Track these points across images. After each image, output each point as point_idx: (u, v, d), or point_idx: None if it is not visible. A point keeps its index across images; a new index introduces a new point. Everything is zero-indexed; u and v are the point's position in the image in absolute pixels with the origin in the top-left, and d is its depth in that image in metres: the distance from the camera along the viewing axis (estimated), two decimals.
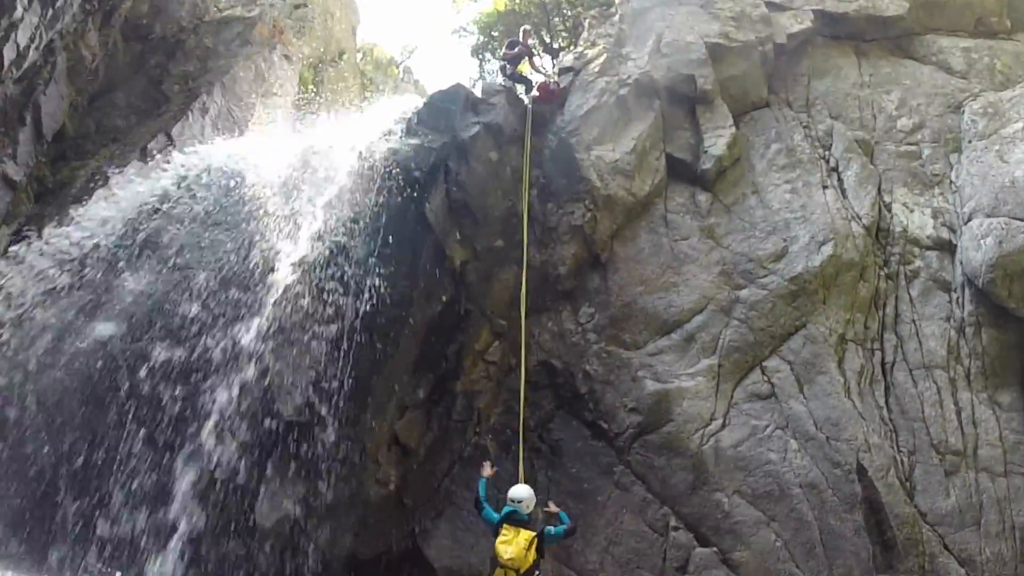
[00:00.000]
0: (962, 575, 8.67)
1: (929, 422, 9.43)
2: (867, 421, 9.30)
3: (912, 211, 10.81)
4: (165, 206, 10.48)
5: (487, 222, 10.06)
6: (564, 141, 10.67)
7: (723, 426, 9.26)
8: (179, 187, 10.61)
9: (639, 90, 10.97)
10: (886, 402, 9.61)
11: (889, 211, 10.80)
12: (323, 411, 8.96)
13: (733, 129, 10.94)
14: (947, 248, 10.49)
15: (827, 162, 11.15)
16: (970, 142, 11.32)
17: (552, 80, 11.47)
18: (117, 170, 11.24)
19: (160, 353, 9.15)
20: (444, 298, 9.66)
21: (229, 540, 8.54)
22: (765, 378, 9.55)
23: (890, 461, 9.14)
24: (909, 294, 10.26)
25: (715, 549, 8.80)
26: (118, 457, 8.71)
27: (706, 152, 10.72)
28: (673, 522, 9.00)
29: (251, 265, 9.61)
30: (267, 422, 8.84)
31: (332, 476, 8.87)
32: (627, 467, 9.31)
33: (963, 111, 11.73)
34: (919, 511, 8.94)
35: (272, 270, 9.51)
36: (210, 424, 8.68)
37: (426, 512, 9.43)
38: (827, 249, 10.06)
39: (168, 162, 11.01)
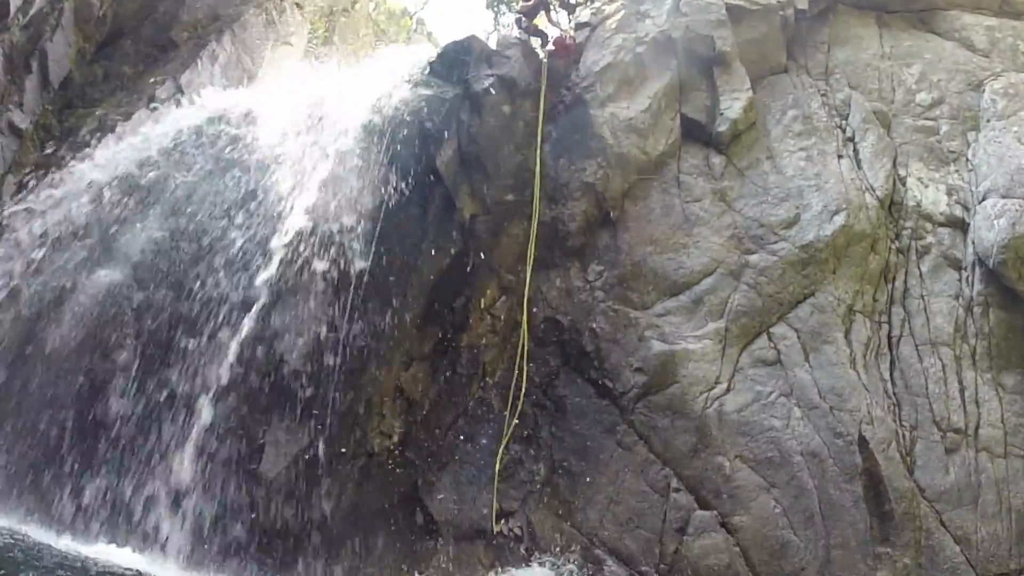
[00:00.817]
0: (957, 552, 8.70)
1: (932, 398, 9.43)
2: (871, 393, 9.30)
3: (927, 186, 10.73)
4: (173, 153, 10.42)
5: (498, 176, 10.00)
6: (579, 97, 10.55)
7: (727, 390, 9.26)
8: (188, 134, 10.53)
9: (656, 48, 10.84)
10: (891, 376, 9.59)
11: (904, 185, 10.71)
12: (329, 361, 8.96)
13: (750, 93, 10.81)
14: (960, 226, 10.41)
15: (843, 131, 11.03)
16: (988, 121, 11.21)
17: (568, 35, 11.32)
18: (123, 118, 11.19)
19: (167, 301, 9.18)
20: (453, 251, 9.65)
21: (232, 489, 8.58)
22: (771, 344, 9.52)
23: (892, 435, 9.15)
24: (919, 269, 10.20)
25: (715, 512, 8.84)
26: (123, 408, 8.75)
27: (722, 114, 10.61)
28: (674, 484, 9.03)
29: (260, 213, 9.56)
30: (273, 371, 8.84)
31: (336, 426, 8.91)
32: (630, 427, 9.32)
33: (983, 90, 11.55)
34: (918, 486, 8.97)
35: (281, 217, 9.46)
36: (217, 373, 8.70)
37: (429, 465, 9.46)
38: (839, 219, 9.99)
39: (177, 108, 10.94)
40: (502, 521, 9.20)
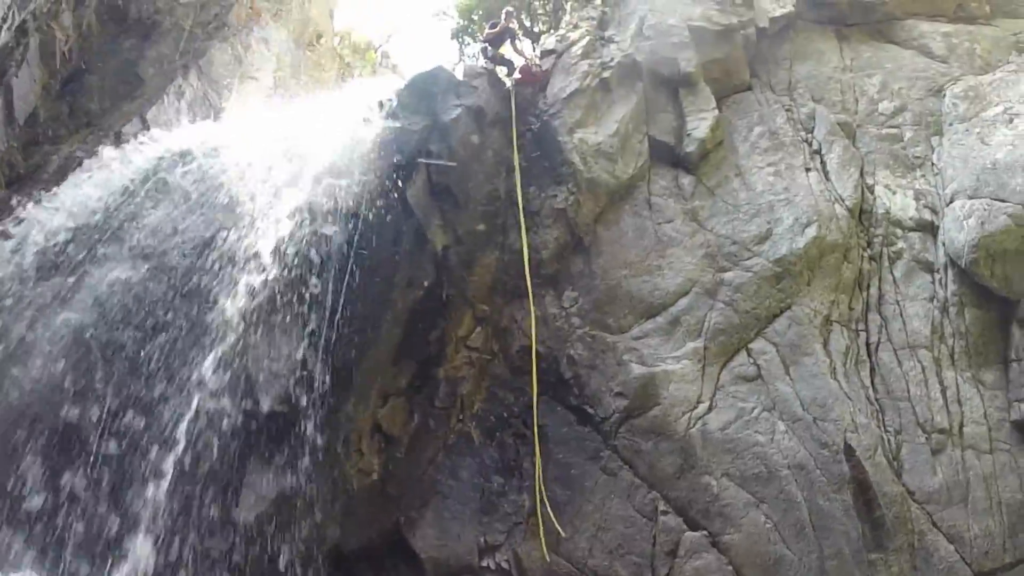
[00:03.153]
0: (951, 551, 8.87)
1: (915, 401, 9.64)
2: (853, 401, 9.50)
3: (895, 193, 11.02)
4: (141, 191, 10.42)
5: (469, 206, 10.14)
6: (547, 124, 10.78)
7: (710, 409, 9.39)
8: (155, 171, 10.55)
9: (622, 73, 11.13)
10: (871, 382, 9.80)
11: (872, 193, 11.02)
12: (304, 401, 8.90)
13: (716, 112, 11.11)
14: (929, 229, 10.71)
15: (809, 145, 11.36)
16: (951, 125, 11.57)
17: (534, 63, 11.59)
18: (88, 155, 11.16)
19: (134, 343, 9.04)
20: (426, 283, 9.71)
21: (209, 535, 8.44)
22: (751, 360, 9.70)
23: (877, 440, 9.34)
24: (892, 275, 10.47)
25: (705, 532, 8.92)
26: (91, 451, 8.66)
27: (689, 135, 10.87)
28: (662, 506, 9.11)
29: (228, 251, 9.58)
30: (246, 414, 8.74)
31: (314, 467, 8.83)
32: (614, 452, 9.41)
33: (944, 95, 11.96)
34: (907, 489, 9.14)
35: (250, 256, 9.48)
36: (188, 417, 8.56)
37: (411, 501, 9.46)
38: (811, 231, 10.25)
39: (143, 145, 10.94)
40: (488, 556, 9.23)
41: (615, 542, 9.08)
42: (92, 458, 8.45)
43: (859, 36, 12.84)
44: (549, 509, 9.13)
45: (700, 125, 10.94)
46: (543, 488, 9.28)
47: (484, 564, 9.18)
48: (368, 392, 9.40)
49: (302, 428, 8.83)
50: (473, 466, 9.66)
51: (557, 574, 9.10)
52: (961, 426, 9.58)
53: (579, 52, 11.48)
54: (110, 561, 8.08)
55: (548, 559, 9.00)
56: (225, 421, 8.65)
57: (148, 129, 11.96)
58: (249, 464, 8.73)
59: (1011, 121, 11.23)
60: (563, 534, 9.09)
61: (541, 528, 9.05)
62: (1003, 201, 10.25)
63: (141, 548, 8.11)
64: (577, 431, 9.63)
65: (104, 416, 8.66)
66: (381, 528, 9.35)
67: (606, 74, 11.06)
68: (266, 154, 10.35)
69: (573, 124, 10.67)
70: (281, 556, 8.59)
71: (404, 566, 9.32)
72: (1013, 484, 9.31)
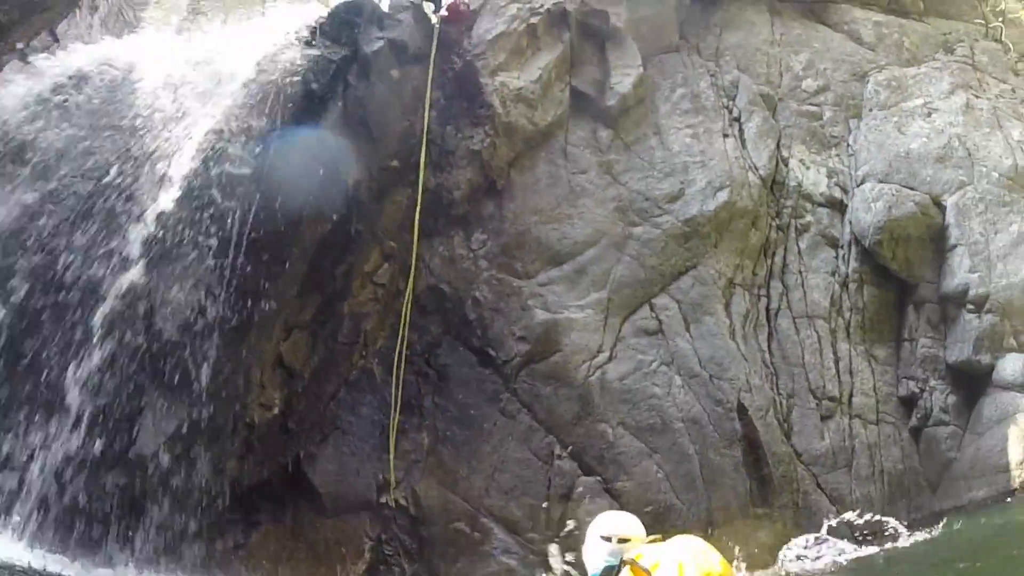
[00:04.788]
0: (833, 512, 9.96)
1: (808, 368, 10.74)
2: (749, 363, 10.49)
3: (808, 168, 12.09)
4: (45, 109, 10.55)
5: (384, 141, 10.51)
6: (469, 64, 11.27)
7: (610, 359, 10.21)
8: (61, 88, 10.72)
9: (551, 20, 11.71)
10: (768, 347, 10.85)
11: (786, 166, 12.05)
12: (206, 331, 9.17)
13: (641, 69, 11.85)
14: (838, 207, 11.85)
15: (730, 112, 12.31)
16: (871, 111, 12.73)
17: (463, 1, 11.93)
18: None
19: (33, 269, 9.19)
20: (335, 217, 10.03)
21: (108, 468, 8.67)
22: (653, 315, 10.56)
23: (769, 402, 10.38)
24: (798, 246, 11.56)
25: (599, 478, 9.75)
26: None
27: (612, 89, 11.60)
28: (558, 451, 9.89)
29: (135, 174, 9.70)
30: (146, 345, 8.97)
31: (215, 401, 9.09)
32: (513, 395, 10.13)
33: (868, 81, 13.12)
34: (795, 451, 10.24)
35: (159, 179, 9.63)
36: (88, 346, 8.80)
37: (311, 437, 9.95)
38: (723, 195, 11.16)
39: (51, 61, 11.13)
40: (386, 492, 9.82)
41: (511, 483, 9.81)
42: None
43: (792, 13, 13.84)
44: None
45: (624, 80, 11.66)
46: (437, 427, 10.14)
47: (382, 500, 9.79)
48: (271, 325, 9.68)
49: (203, 360, 9.08)
50: (374, 403, 10.21)
51: (453, 512, 9.76)
52: (851, 396, 10.72)
53: None
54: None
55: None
56: (124, 352, 8.88)
57: (58, 43, 12.16)
58: (148, 397, 8.94)
59: (929, 115, 12.48)
60: (460, 474, 9.83)
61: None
62: (912, 189, 11.49)
63: (35, 481, 8.40)
64: (478, 372, 10.31)
65: None
66: (281, 463, 9.77)
67: (534, 20, 11.56)
68: (179, 75, 10.48)
69: (496, 67, 11.20)
70: (180, 490, 8.86)
71: (303, 501, 9.78)
72: (895, 455, 10.51)
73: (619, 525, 4.82)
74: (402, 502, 9.82)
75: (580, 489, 9.74)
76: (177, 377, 9.02)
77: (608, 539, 4.67)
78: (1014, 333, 10.61)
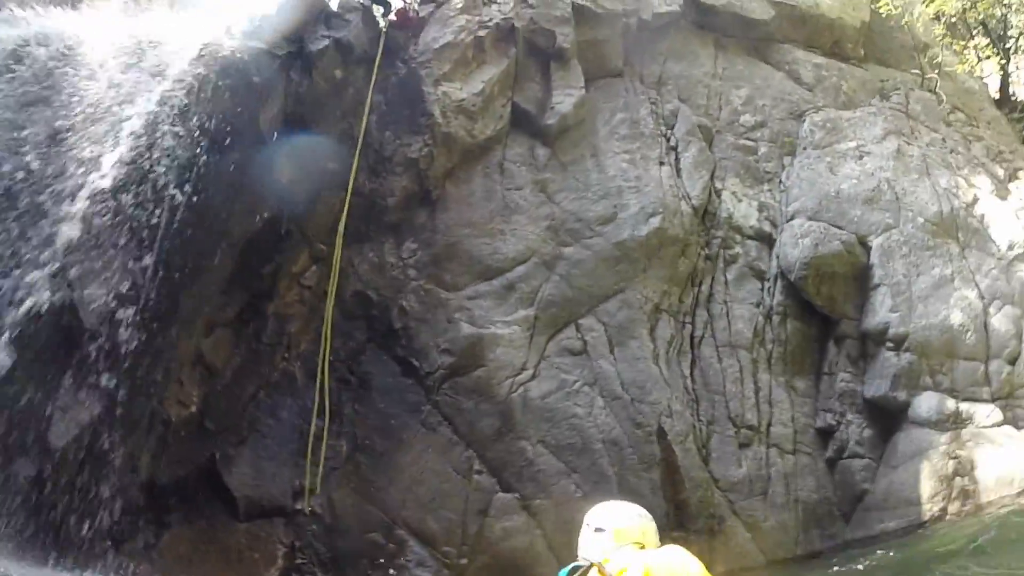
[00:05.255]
0: (748, 539, 10.38)
1: (729, 397, 11.13)
2: (671, 388, 10.80)
3: (740, 201, 12.57)
4: None
5: (321, 141, 10.60)
6: (413, 71, 11.43)
7: (533, 376, 10.43)
8: None
9: (498, 35, 11.96)
10: (691, 373, 11.20)
11: (719, 197, 12.50)
12: (126, 323, 8.98)
13: (583, 91, 12.18)
14: (767, 241, 12.35)
15: (668, 140, 12.69)
16: (805, 149, 13.29)
17: (412, 8, 12.14)
18: None
19: None
20: (266, 214, 10.11)
21: (17, 460, 8.41)
22: (579, 335, 10.82)
23: (689, 428, 10.69)
24: (725, 276, 11.99)
25: (517, 495, 9.95)
26: None
27: (553, 108, 11.88)
28: (477, 466, 10.07)
29: (68, 155, 9.57)
30: (64, 332, 8.74)
31: (131, 395, 8.94)
32: (435, 407, 10.27)
33: (804, 120, 13.73)
34: (712, 477, 10.58)
35: (89, 162, 9.28)
36: (5, 328, 8.40)
37: (228, 438, 9.94)
38: (655, 221, 11.49)
39: None
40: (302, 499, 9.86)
41: (429, 496, 9.92)
42: None
43: (736, 49, 14.36)
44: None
45: (565, 100, 11.95)
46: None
47: (298, 507, 9.83)
48: (194, 320, 9.64)
49: (122, 353, 8.89)
50: (294, 407, 10.26)
51: (369, 523, 9.83)
52: (769, 425, 11.13)
53: (459, 6, 12.09)
54: None
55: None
56: (40, 339, 8.57)
57: None
58: (63, 387, 8.69)
59: (861, 158, 13.08)
60: (377, 484, 9.91)
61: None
62: (840, 228, 12.05)
63: None
64: (401, 382, 10.42)
65: None
66: (196, 463, 9.73)
67: (482, 33, 11.80)
68: (119, 54, 10.45)
69: (440, 76, 11.37)
70: (92, 485, 8.73)
71: (218, 502, 9.74)
72: (811, 484, 10.97)
73: (616, 517, 4.45)
74: (318, 510, 9.86)
75: (498, 505, 9.93)
76: (94, 368, 8.82)
77: (601, 530, 4.31)
78: (931, 372, 11.25)
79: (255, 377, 10.30)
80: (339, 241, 10.57)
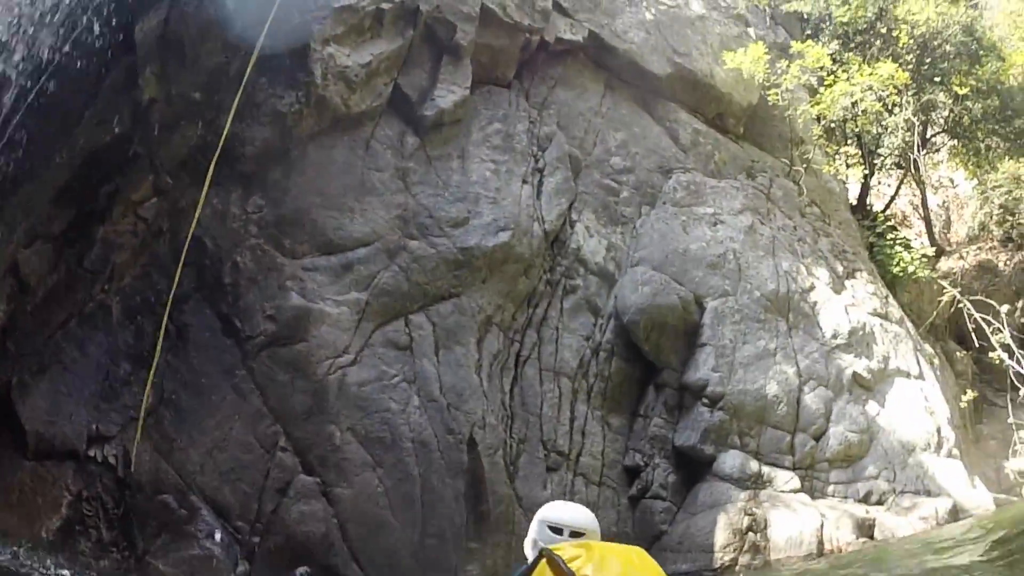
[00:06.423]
0: None
1: (544, 420, 11.74)
2: (489, 401, 11.25)
3: (592, 236, 13.31)
4: None
5: (194, 69, 10.42)
6: (306, 25, 11.21)
7: (354, 362, 10.64)
8: None
9: (399, 14, 12.06)
10: (511, 390, 11.75)
11: (572, 228, 13.19)
12: None
13: (467, 92, 12.56)
14: (608, 280, 13.14)
15: (536, 161, 13.29)
16: (664, 204, 14.21)
17: None
18: None
19: None
20: (117, 130, 9.86)
21: None
22: (407, 330, 11.14)
23: (500, 443, 11.19)
24: (562, 304, 12.69)
25: (318, 480, 10.11)
26: None
27: (433, 100, 12.21)
28: (282, 442, 10.17)
29: None
30: None
31: None
32: (250, 374, 10.31)
33: (671, 177, 14.74)
34: (516, 494, 11.13)
35: None
36: None
37: (28, 364, 9.69)
38: (504, 236, 11.98)
39: None
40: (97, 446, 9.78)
41: (228, 465, 9.96)
42: None
43: (624, 93, 15.16)
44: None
45: (448, 96, 12.29)
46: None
47: (91, 454, 9.69)
48: (15, 226, 9.33)
49: None
50: (104, 344, 10.12)
51: (163, 483, 9.78)
52: (579, 455, 11.82)
53: None
54: None
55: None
56: None
57: None
58: None
59: (715, 224, 14.00)
60: (178, 443, 9.93)
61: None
62: (680, 284, 12.94)
63: None
64: (220, 341, 10.43)
65: None
66: None
67: (385, 5, 11.82)
68: None
69: (330, 36, 11.31)
70: None
71: (6, 432, 9.51)
72: (611, 517, 11.72)
73: (575, 516, 4.28)
74: (111, 460, 9.74)
75: (298, 487, 10.08)
76: None
77: (559, 531, 4.13)
78: (739, 433, 12.30)
79: (68, 304, 10.08)
80: (209, 179, 10.50)
